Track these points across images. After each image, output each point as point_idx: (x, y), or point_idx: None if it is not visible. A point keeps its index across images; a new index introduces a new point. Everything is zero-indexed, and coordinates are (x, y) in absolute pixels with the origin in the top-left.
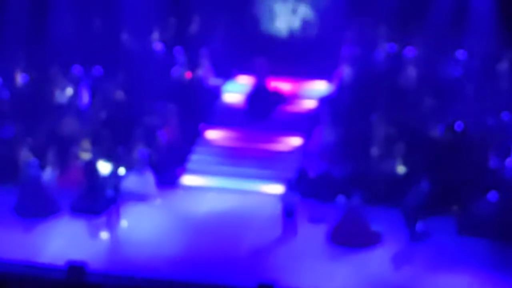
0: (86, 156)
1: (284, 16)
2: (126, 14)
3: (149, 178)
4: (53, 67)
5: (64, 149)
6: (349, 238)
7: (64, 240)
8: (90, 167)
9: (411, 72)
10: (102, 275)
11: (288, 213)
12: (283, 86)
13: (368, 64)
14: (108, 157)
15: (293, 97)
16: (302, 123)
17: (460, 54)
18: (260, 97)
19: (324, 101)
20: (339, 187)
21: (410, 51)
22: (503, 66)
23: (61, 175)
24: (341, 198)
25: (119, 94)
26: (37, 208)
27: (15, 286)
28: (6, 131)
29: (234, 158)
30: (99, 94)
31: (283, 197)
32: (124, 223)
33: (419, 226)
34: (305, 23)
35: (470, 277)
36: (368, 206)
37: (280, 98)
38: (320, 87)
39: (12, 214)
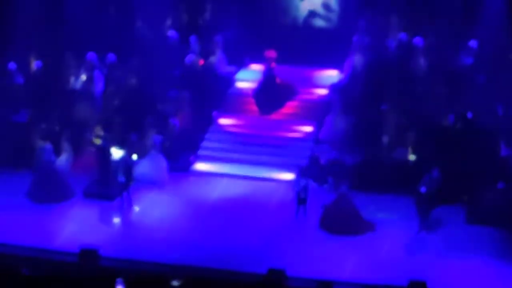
0: (99, 142)
1: (296, 5)
2: (140, 1)
3: (162, 164)
4: (68, 54)
5: (78, 135)
6: (336, 225)
7: (77, 225)
8: (103, 153)
9: (422, 61)
10: (115, 260)
11: (299, 200)
12: (293, 78)
13: (379, 53)
14: (121, 143)
15: (305, 86)
16: (313, 111)
17: (472, 43)
18: (269, 91)
19: (335, 89)
20: (350, 175)
21: (421, 40)
22: None
23: (74, 160)
24: (330, 185)
25: (133, 81)
26: (50, 193)
27: (29, 270)
28: (20, 116)
29: (246, 145)
30: (113, 80)
31: (294, 184)
32: (136, 208)
33: (430, 214)
34: (317, 13)
35: (480, 266)
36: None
37: (289, 92)
38: (331, 75)
39: (26, 199)
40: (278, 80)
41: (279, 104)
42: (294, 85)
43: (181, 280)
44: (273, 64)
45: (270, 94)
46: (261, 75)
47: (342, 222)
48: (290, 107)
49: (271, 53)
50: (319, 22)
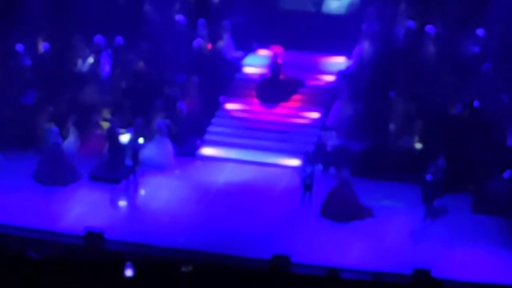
0: (106, 125)
1: None
2: None
3: (168, 148)
4: (75, 36)
5: (85, 118)
6: (335, 211)
7: (83, 208)
8: (110, 136)
9: (430, 49)
10: (120, 243)
11: (306, 186)
12: (301, 65)
13: (387, 41)
14: (128, 127)
15: (313, 72)
16: (321, 98)
17: (480, 32)
18: (272, 87)
19: (343, 76)
20: (356, 161)
21: (429, 28)
22: None
23: (81, 143)
24: (332, 171)
25: (140, 65)
26: (57, 175)
27: (35, 252)
28: (27, 99)
29: (253, 130)
30: (121, 64)
31: (300, 170)
32: (142, 192)
33: (435, 202)
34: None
35: (485, 255)
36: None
37: (294, 86)
38: (339, 62)
39: (32, 181)
40: (282, 77)
41: (282, 99)
42: (300, 79)
43: (188, 266)
44: (279, 60)
45: (273, 90)
46: (267, 70)
47: (341, 208)
48: (297, 93)
49: (277, 49)
50: (328, 9)
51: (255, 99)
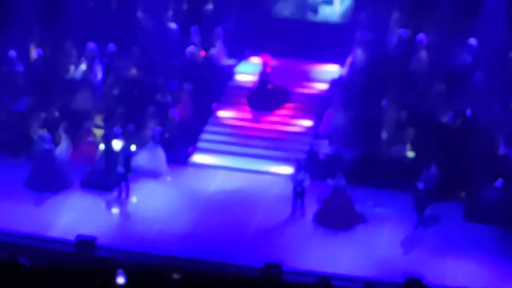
0: (98, 132)
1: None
2: None
3: (160, 156)
4: (68, 43)
5: (77, 125)
6: (333, 220)
7: (74, 215)
8: (105, 143)
9: (423, 57)
10: (111, 250)
11: (297, 194)
12: (292, 73)
13: (380, 49)
14: (120, 134)
15: (305, 80)
16: (313, 105)
17: (471, 41)
18: (262, 96)
19: (336, 84)
20: (345, 169)
21: (422, 37)
22: None
23: (73, 150)
24: (329, 181)
25: (133, 72)
26: (48, 182)
27: (26, 259)
28: (20, 105)
29: (245, 138)
30: (113, 70)
31: (292, 178)
32: (134, 199)
33: (427, 211)
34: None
35: (477, 263)
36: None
37: (283, 96)
38: (332, 70)
39: (24, 188)
40: (270, 86)
41: (271, 108)
42: (287, 89)
43: (180, 273)
44: (268, 69)
45: (262, 98)
46: (257, 79)
47: (338, 216)
48: (286, 103)
49: (266, 58)
50: (321, 17)
51: (247, 106)
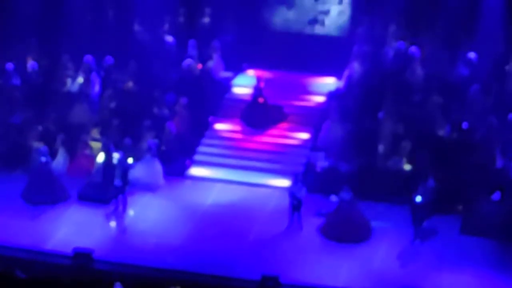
0: (95, 145)
1: (296, 11)
2: (139, 5)
3: (157, 169)
4: (65, 56)
5: (74, 137)
6: (339, 234)
7: (71, 228)
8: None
9: (419, 70)
10: (108, 263)
11: (294, 207)
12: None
13: (377, 62)
14: (117, 147)
15: (302, 92)
16: (311, 118)
17: (468, 54)
18: (257, 111)
19: (333, 97)
20: (346, 182)
21: (418, 50)
22: (511, 66)
23: (70, 163)
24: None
25: (130, 85)
26: (45, 195)
27: (22, 272)
28: (16, 118)
29: (242, 151)
30: (110, 84)
31: (289, 191)
32: (131, 212)
33: (424, 224)
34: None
35: (473, 277)
36: (370, 202)
37: (277, 114)
38: (329, 83)
39: (20, 201)
40: (262, 100)
41: (265, 127)
42: (284, 108)
43: (176, 286)
44: (262, 84)
45: (256, 115)
46: (251, 95)
47: (345, 229)
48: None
49: (260, 73)
50: (318, 30)
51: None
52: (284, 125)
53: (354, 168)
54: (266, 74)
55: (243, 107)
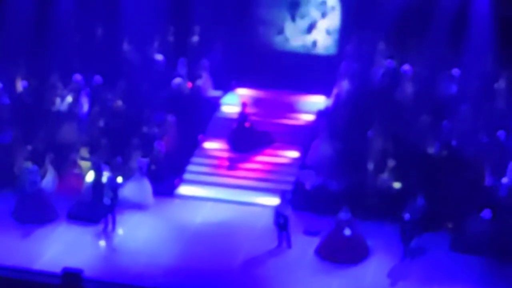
0: (84, 164)
1: (285, 30)
2: (127, 24)
3: (147, 187)
4: (54, 75)
5: (63, 157)
6: (336, 253)
7: (60, 247)
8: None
9: (408, 88)
10: (98, 283)
11: (280, 225)
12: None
13: (366, 80)
14: (106, 166)
15: (291, 111)
16: (300, 137)
17: (457, 72)
18: (242, 136)
19: (322, 115)
20: (335, 201)
21: (407, 68)
22: (500, 85)
23: (59, 182)
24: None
25: (119, 103)
26: (34, 214)
27: None
28: (5, 137)
29: (231, 170)
30: (99, 102)
31: (275, 209)
32: (120, 231)
33: (414, 241)
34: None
35: None
36: (360, 220)
37: (264, 139)
38: (318, 101)
39: (9, 220)
40: (248, 125)
41: (251, 152)
42: (271, 134)
43: None
44: (247, 109)
45: (242, 141)
46: (236, 120)
47: (347, 251)
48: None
49: (244, 99)
50: (307, 48)
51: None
52: (272, 145)
53: (344, 186)
54: (253, 94)
55: (230, 132)
